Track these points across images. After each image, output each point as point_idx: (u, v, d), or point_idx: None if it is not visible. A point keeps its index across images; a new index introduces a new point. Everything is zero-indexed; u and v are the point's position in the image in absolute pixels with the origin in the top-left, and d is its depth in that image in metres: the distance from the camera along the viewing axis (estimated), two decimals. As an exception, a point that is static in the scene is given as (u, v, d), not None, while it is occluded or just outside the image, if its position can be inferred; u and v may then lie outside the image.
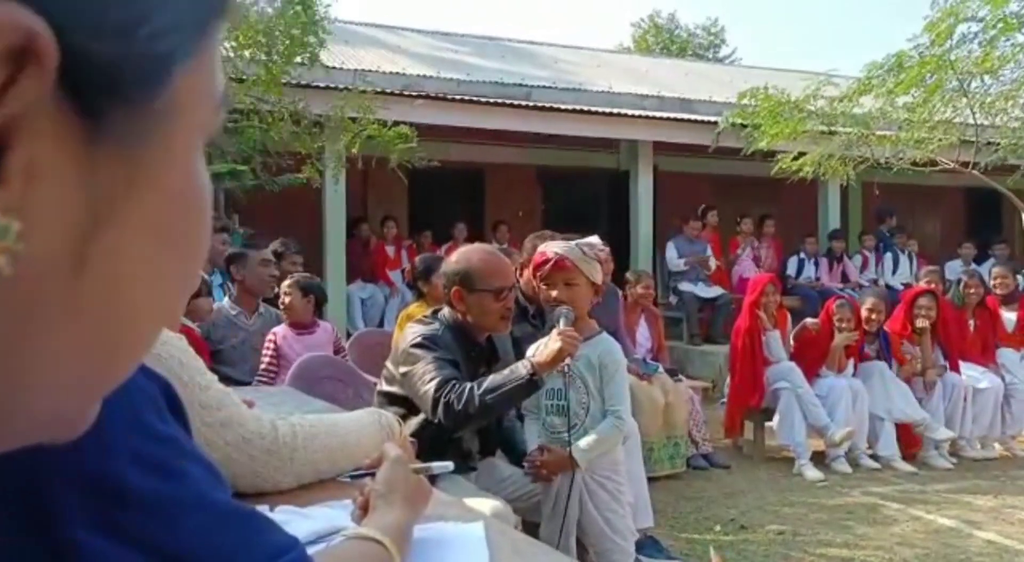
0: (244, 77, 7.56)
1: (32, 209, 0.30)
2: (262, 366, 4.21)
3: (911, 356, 6.05)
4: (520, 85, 11.74)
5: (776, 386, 5.78)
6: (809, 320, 6.11)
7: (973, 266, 9.28)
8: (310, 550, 0.73)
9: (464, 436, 2.75)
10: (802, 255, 10.35)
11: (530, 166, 11.48)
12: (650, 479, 4.25)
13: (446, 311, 2.81)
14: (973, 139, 8.10)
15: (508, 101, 9.84)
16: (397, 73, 10.90)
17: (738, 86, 9.56)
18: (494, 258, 2.84)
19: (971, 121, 8.10)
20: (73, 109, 0.31)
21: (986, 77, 7.92)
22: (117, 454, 0.57)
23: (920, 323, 6.09)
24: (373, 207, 10.37)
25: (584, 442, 2.65)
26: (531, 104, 9.91)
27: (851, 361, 5.90)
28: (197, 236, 0.38)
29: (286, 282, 4.52)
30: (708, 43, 32.14)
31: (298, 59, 7.90)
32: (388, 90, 8.52)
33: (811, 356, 5.87)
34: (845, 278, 10.29)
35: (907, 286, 8.90)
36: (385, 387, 2.81)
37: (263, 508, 1.28)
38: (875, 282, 10.00)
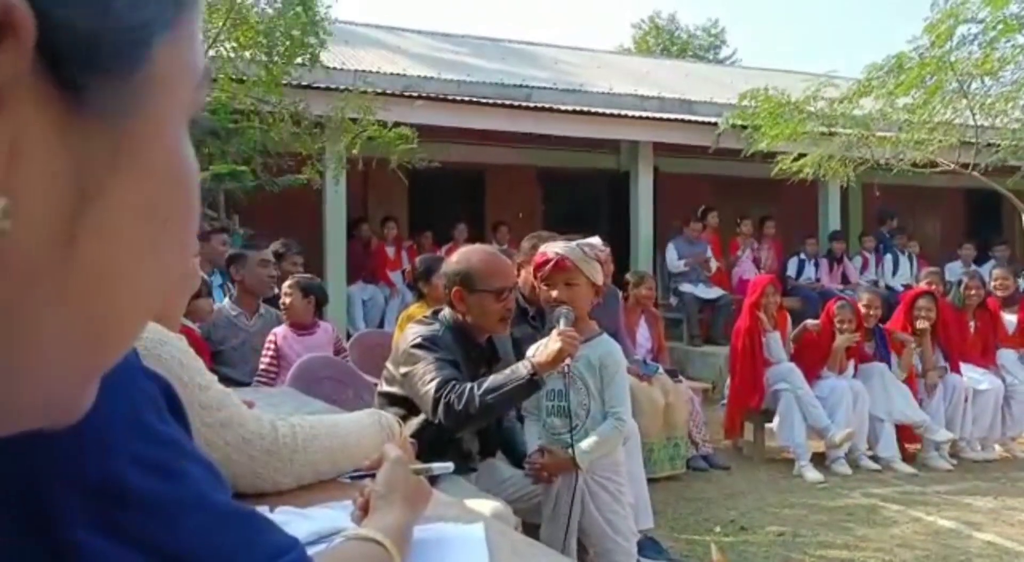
0: (245, 78, 7.56)
1: (17, 185, 0.30)
2: (262, 366, 4.21)
3: (904, 342, 6.06)
4: (520, 86, 11.74)
5: (776, 387, 5.78)
6: (809, 321, 6.11)
7: (973, 267, 9.28)
8: (310, 551, 0.73)
9: (464, 437, 2.75)
10: (802, 256, 10.36)
11: (530, 167, 11.49)
12: (650, 480, 4.25)
13: (446, 312, 2.81)
14: (973, 140, 8.11)
15: (508, 102, 9.84)
16: (398, 74, 10.91)
17: (738, 87, 9.56)
18: (495, 259, 2.84)
19: (971, 122, 8.10)
20: (54, 83, 0.30)
21: (986, 78, 7.92)
22: (117, 455, 0.57)
23: (920, 324, 6.09)
24: (373, 208, 10.37)
25: (585, 443, 2.65)
26: (531, 105, 9.91)
27: (852, 362, 5.90)
28: (185, 213, 0.38)
29: (286, 283, 4.52)
30: (708, 44, 32.16)
31: (298, 60, 7.91)
32: (388, 91, 8.52)
33: (811, 357, 5.86)
34: (845, 279, 10.30)
35: (907, 287, 8.90)
36: (385, 388, 2.81)
37: (263, 509, 1.28)
38: (875, 283, 10.00)
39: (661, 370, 5.51)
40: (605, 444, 2.68)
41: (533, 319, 3.77)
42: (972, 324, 6.51)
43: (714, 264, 9.65)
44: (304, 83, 8.05)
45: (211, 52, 7.65)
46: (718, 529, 4.38)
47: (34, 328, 0.33)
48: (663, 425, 5.21)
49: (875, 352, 6.01)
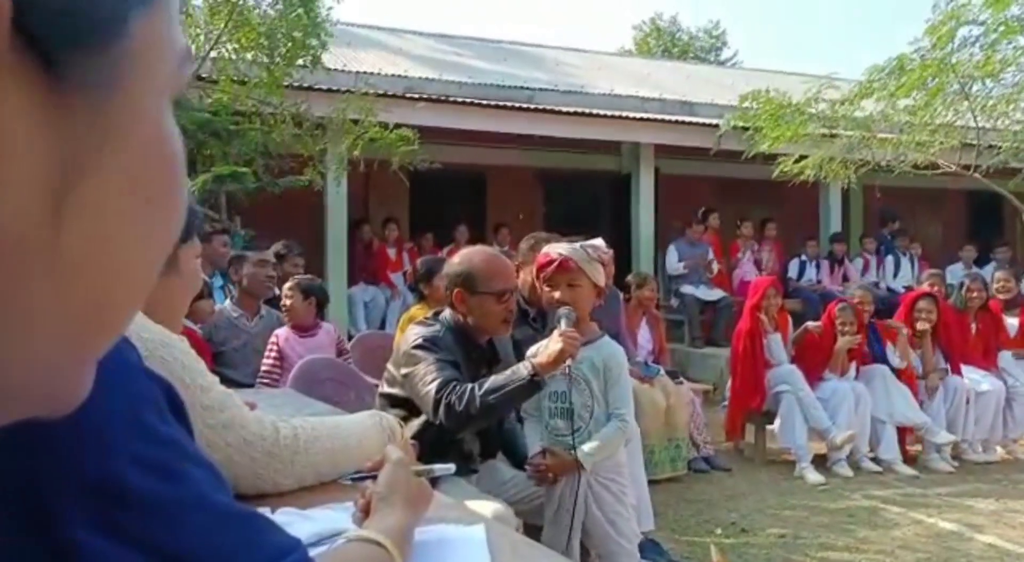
0: (246, 79, 7.57)
1: (2, 164, 0.30)
2: (264, 368, 4.21)
3: (895, 329, 6.07)
4: (522, 88, 11.74)
5: (777, 389, 5.78)
6: (811, 323, 6.11)
7: (975, 269, 9.28)
8: (311, 552, 0.73)
9: (465, 438, 2.75)
10: (803, 258, 10.36)
11: (532, 168, 11.49)
12: (651, 481, 4.25)
13: (447, 313, 2.81)
14: (974, 142, 8.11)
15: (510, 103, 9.84)
16: (399, 75, 10.91)
17: (739, 89, 9.57)
18: (496, 260, 2.84)
19: (972, 124, 8.11)
20: (33, 59, 0.30)
21: (987, 80, 7.93)
22: (118, 455, 0.57)
23: (921, 326, 6.09)
24: (375, 209, 10.37)
25: (589, 445, 2.64)
26: (533, 106, 9.92)
27: (853, 364, 5.90)
28: (171, 190, 0.38)
29: (287, 284, 4.52)
30: (709, 46, 32.16)
31: (300, 61, 7.92)
32: (390, 92, 8.53)
33: (813, 359, 5.86)
34: (846, 281, 10.29)
35: (908, 289, 8.89)
36: (386, 389, 2.81)
37: (264, 510, 1.28)
38: (876, 285, 10.00)
39: (662, 372, 5.51)
40: (609, 445, 2.68)
41: (534, 320, 3.77)
42: (974, 326, 6.51)
43: (716, 266, 9.65)
44: (305, 85, 8.06)
45: (213, 54, 7.67)
46: (719, 531, 4.38)
47: (25, 311, 0.33)
48: (664, 427, 5.21)
49: (871, 347, 6.00)
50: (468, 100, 9.66)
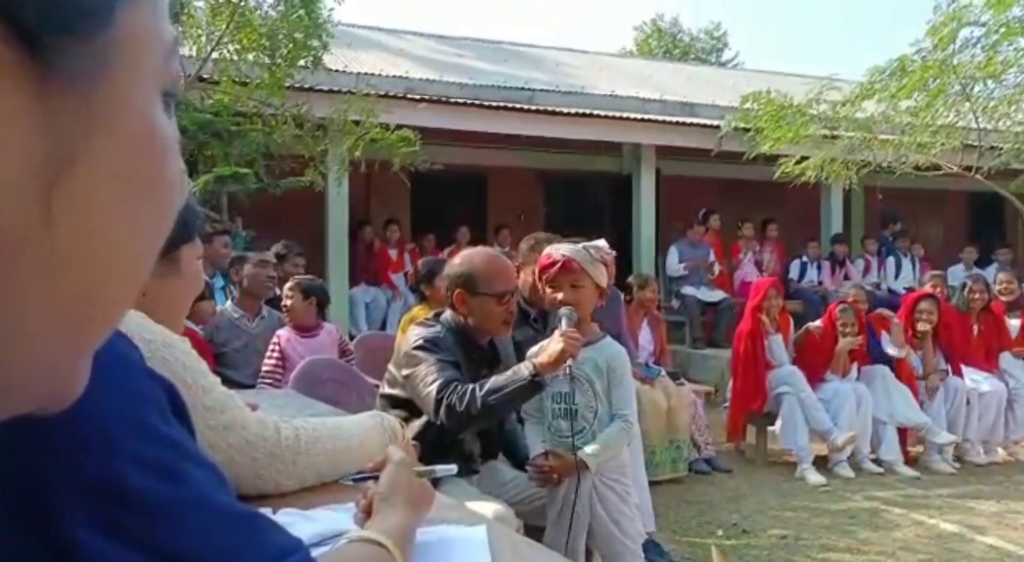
0: (247, 80, 7.58)
1: None
2: (267, 369, 4.21)
3: (887, 318, 6.07)
4: (523, 88, 11.75)
5: (778, 390, 5.78)
6: (812, 324, 6.11)
7: (976, 271, 9.27)
8: (313, 552, 0.73)
9: (466, 439, 2.75)
10: (805, 259, 10.36)
11: (533, 169, 11.50)
12: (652, 482, 4.25)
13: (448, 314, 2.81)
14: (976, 143, 8.12)
15: (511, 104, 9.85)
16: (400, 76, 10.92)
17: (741, 90, 9.57)
18: (497, 261, 2.84)
19: (974, 125, 8.11)
20: (19, 47, 0.30)
21: (989, 81, 7.93)
22: (119, 455, 0.57)
23: (921, 327, 6.09)
24: (376, 210, 10.38)
25: (593, 445, 2.64)
26: (534, 108, 9.92)
27: (854, 365, 5.90)
28: (162, 182, 0.38)
29: (287, 284, 4.52)
30: (711, 47, 32.17)
31: (301, 62, 7.93)
32: (391, 93, 8.54)
33: (814, 360, 5.86)
34: (847, 282, 10.28)
35: (909, 290, 8.89)
36: (387, 390, 2.81)
37: (266, 510, 1.28)
38: (877, 286, 10.00)
39: (663, 373, 5.51)
40: (613, 446, 2.68)
41: (535, 321, 3.77)
42: (976, 327, 6.50)
43: (717, 267, 9.65)
44: (307, 85, 8.07)
45: (214, 55, 7.68)
46: (720, 532, 4.38)
47: (18, 305, 0.32)
48: (665, 428, 5.21)
49: (868, 346, 6.01)
50: (469, 101, 9.66)
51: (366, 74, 9.73)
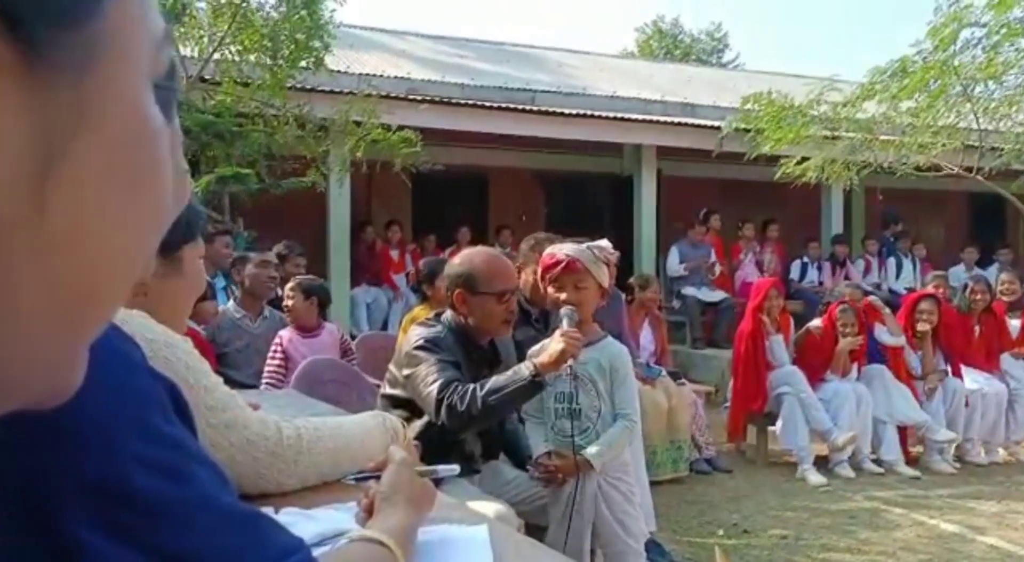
0: (249, 81, 7.59)
1: None
2: (270, 369, 4.21)
3: (878, 308, 6.07)
4: (524, 89, 11.75)
5: (779, 390, 5.78)
6: (812, 324, 6.11)
7: (978, 271, 9.27)
8: (314, 552, 0.74)
9: (467, 439, 2.75)
10: (805, 259, 10.36)
11: (534, 170, 11.50)
12: (653, 483, 4.24)
13: (449, 314, 2.81)
14: (977, 144, 8.11)
15: (512, 105, 9.86)
16: (401, 77, 10.92)
17: (742, 91, 9.57)
18: (497, 261, 2.85)
19: (975, 126, 8.11)
20: (8, 38, 0.30)
21: (990, 82, 7.93)
22: (121, 456, 0.57)
23: (921, 327, 6.09)
24: (377, 211, 10.38)
25: (598, 445, 2.65)
26: (535, 108, 9.93)
27: (855, 365, 5.91)
28: (154, 172, 0.38)
29: (288, 284, 4.52)
30: (711, 48, 32.16)
31: (303, 63, 7.93)
32: (392, 94, 8.54)
33: (814, 360, 5.87)
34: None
35: (910, 291, 8.89)
36: (388, 390, 2.81)
37: (268, 510, 1.29)
38: (878, 287, 9.99)
39: (664, 373, 5.51)
40: (616, 445, 2.69)
41: (536, 321, 3.77)
42: (977, 328, 6.50)
43: (717, 268, 9.65)
44: (308, 86, 8.07)
45: (216, 55, 7.68)
46: (721, 532, 4.38)
47: (11, 293, 0.32)
48: (666, 428, 5.21)
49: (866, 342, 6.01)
50: (470, 102, 9.67)
51: (368, 75, 9.73)
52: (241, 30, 7.71)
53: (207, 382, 1.40)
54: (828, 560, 4.03)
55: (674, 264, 9.58)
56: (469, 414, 2.46)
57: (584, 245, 2.79)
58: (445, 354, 2.64)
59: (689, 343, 9.20)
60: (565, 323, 2.59)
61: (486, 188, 11.66)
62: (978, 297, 6.46)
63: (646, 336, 6.06)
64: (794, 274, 10.24)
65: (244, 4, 7.69)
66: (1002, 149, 8.43)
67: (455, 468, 1.61)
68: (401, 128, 7.65)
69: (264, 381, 4.13)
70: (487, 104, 9.63)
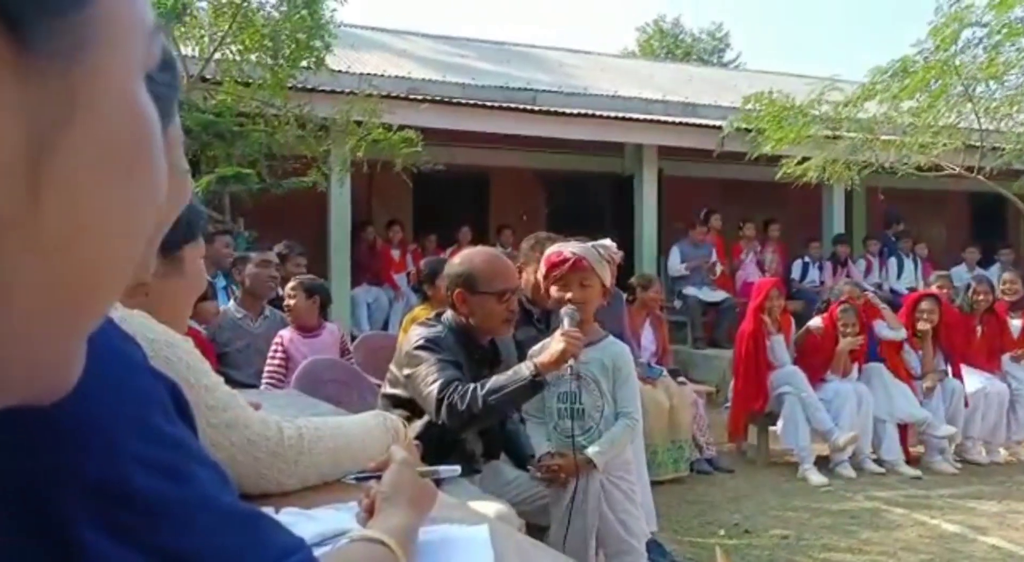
0: (250, 81, 7.59)
1: None
2: (271, 369, 4.20)
3: (874, 304, 6.07)
4: (525, 89, 11.75)
5: (780, 390, 5.78)
6: (812, 324, 6.11)
7: (979, 271, 9.27)
8: (315, 552, 0.73)
9: (468, 438, 2.75)
10: (806, 259, 10.36)
11: (534, 170, 11.50)
12: (653, 482, 4.24)
13: (449, 314, 2.81)
14: (978, 144, 8.11)
15: (513, 105, 9.86)
16: (402, 77, 10.92)
17: (743, 90, 9.57)
18: (497, 260, 2.84)
19: (976, 126, 8.10)
20: (1, 28, 0.30)
21: (991, 82, 7.93)
22: (122, 456, 0.57)
23: (921, 326, 6.09)
24: (378, 210, 10.38)
25: (600, 444, 2.65)
26: (536, 108, 9.93)
27: (856, 365, 5.91)
28: (148, 162, 0.37)
29: (290, 284, 4.52)
30: (712, 48, 32.14)
31: (304, 63, 7.93)
32: (393, 94, 8.54)
33: (815, 360, 5.87)
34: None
35: (912, 290, 8.89)
36: (389, 390, 2.81)
37: (268, 510, 1.29)
38: (879, 286, 9.99)
39: (665, 373, 5.51)
40: (618, 444, 2.69)
41: (538, 321, 3.77)
42: (979, 328, 6.50)
43: (718, 268, 9.65)
44: (309, 86, 8.07)
45: (217, 55, 7.68)
46: (722, 532, 4.38)
47: (6, 285, 0.32)
48: (667, 427, 5.21)
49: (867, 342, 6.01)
50: (471, 101, 9.67)
51: (368, 75, 9.73)
52: (242, 30, 7.71)
53: (208, 382, 1.40)
54: (829, 560, 4.03)
55: (675, 264, 9.58)
56: (469, 413, 2.46)
57: (589, 244, 2.79)
58: (446, 354, 2.64)
59: (690, 343, 9.20)
60: (566, 323, 2.59)
61: (487, 188, 11.66)
62: (981, 297, 6.46)
63: (647, 336, 6.06)
64: (795, 274, 10.24)
65: (245, 4, 7.69)
66: (1003, 149, 8.43)
67: (456, 469, 1.61)
68: (402, 128, 7.65)
69: (264, 381, 4.13)
70: (488, 104, 9.63)
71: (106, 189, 0.35)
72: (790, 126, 8.28)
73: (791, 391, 5.70)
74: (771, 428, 5.94)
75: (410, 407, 2.66)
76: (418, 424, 2.59)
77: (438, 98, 9.24)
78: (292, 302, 4.40)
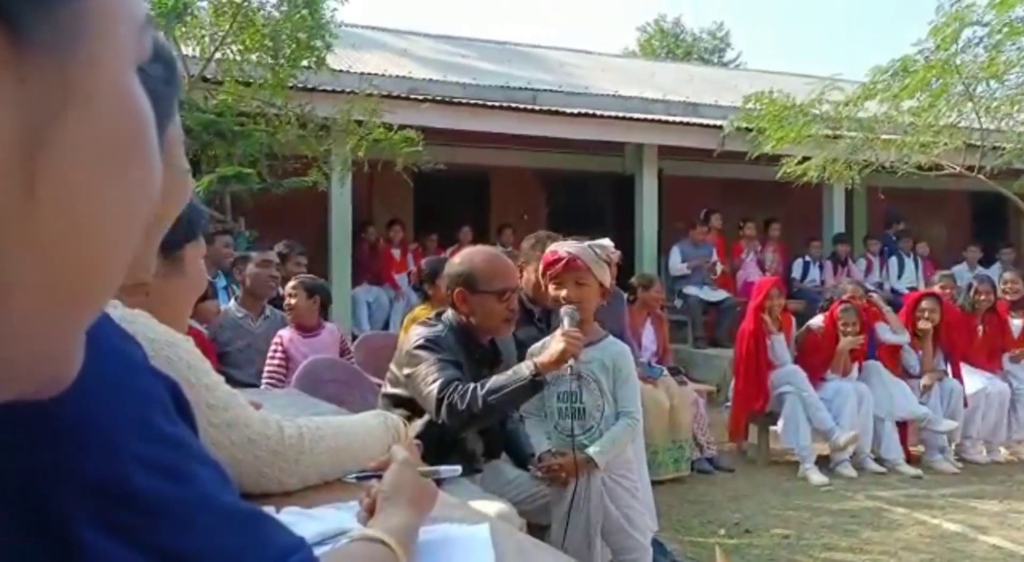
0: (251, 80, 7.59)
1: None
2: (270, 369, 4.20)
3: (875, 304, 6.07)
4: (526, 89, 11.75)
5: (781, 390, 5.78)
6: (813, 323, 6.11)
7: (981, 270, 9.26)
8: (316, 551, 0.73)
9: (468, 438, 2.75)
10: (807, 259, 10.36)
11: (535, 169, 11.49)
12: (654, 482, 4.24)
13: (450, 313, 2.81)
14: (978, 143, 8.11)
15: (514, 105, 9.86)
16: (403, 77, 10.92)
17: (743, 90, 9.56)
18: (497, 260, 2.85)
19: (976, 125, 8.10)
20: None
21: (992, 81, 7.92)
22: (123, 456, 0.57)
23: (922, 325, 6.09)
24: (379, 210, 10.38)
25: (601, 443, 2.65)
26: (536, 108, 9.92)
27: (855, 364, 5.90)
28: (142, 154, 0.37)
29: (290, 283, 4.52)
30: (713, 47, 32.15)
31: (304, 63, 7.93)
32: (394, 94, 8.54)
33: (815, 359, 5.87)
34: (850, 281, 10.27)
35: (912, 290, 8.89)
36: (390, 389, 2.81)
37: (269, 509, 1.29)
38: (880, 286, 9.99)
39: (665, 372, 5.51)
40: (619, 443, 2.69)
41: (539, 321, 3.77)
42: (980, 328, 6.50)
43: (719, 267, 9.65)
44: (310, 86, 8.07)
45: (217, 55, 7.69)
46: (722, 531, 4.38)
47: (3, 277, 0.32)
48: (668, 427, 5.21)
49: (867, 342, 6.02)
50: (472, 101, 9.67)
51: (369, 74, 9.73)
52: (243, 29, 7.71)
53: (208, 381, 1.40)
54: (830, 560, 4.02)
55: (676, 263, 9.58)
56: (469, 413, 2.47)
57: (586, 243, 2.79)
58: (446, 353, 2.64)
59: (691, 342, 9.20)
60: (566, 322, 2.59)
61: (488, 187, 11.66)
62: (982, 297, 6.46)
63: (648, 336, 6.06)
64: (796, 273, 10.24)
65: (245, 3, 7.69)
66: (1004, 148, 8.42)
67: (457, 469, 1.61)
68: (403, 127, 7.65)
69: (264, 380, 4.13)
70: (489, 103, 9.63)
71: (101, 182, 0.35)
72: (790, 126, 8.27)
73: (792, 390, 5.70)
74: (772, 427, 5.94)
75: (411, 407, 2.66)
76: (418, 423, 2.59)
77: (439, 98, 9.23)
78: (292, 302, 4.40)
